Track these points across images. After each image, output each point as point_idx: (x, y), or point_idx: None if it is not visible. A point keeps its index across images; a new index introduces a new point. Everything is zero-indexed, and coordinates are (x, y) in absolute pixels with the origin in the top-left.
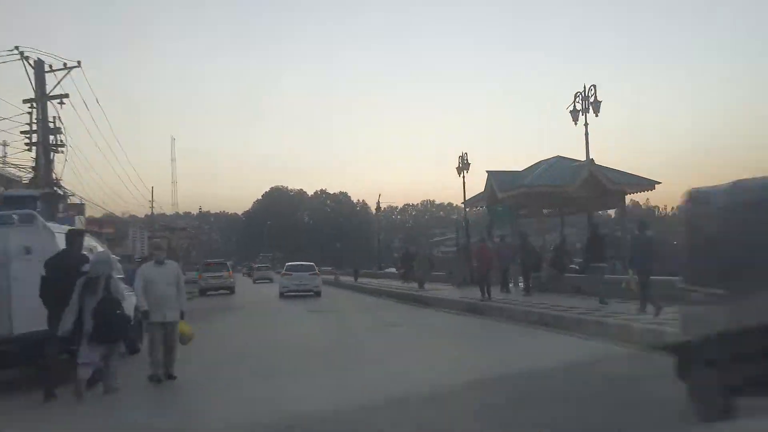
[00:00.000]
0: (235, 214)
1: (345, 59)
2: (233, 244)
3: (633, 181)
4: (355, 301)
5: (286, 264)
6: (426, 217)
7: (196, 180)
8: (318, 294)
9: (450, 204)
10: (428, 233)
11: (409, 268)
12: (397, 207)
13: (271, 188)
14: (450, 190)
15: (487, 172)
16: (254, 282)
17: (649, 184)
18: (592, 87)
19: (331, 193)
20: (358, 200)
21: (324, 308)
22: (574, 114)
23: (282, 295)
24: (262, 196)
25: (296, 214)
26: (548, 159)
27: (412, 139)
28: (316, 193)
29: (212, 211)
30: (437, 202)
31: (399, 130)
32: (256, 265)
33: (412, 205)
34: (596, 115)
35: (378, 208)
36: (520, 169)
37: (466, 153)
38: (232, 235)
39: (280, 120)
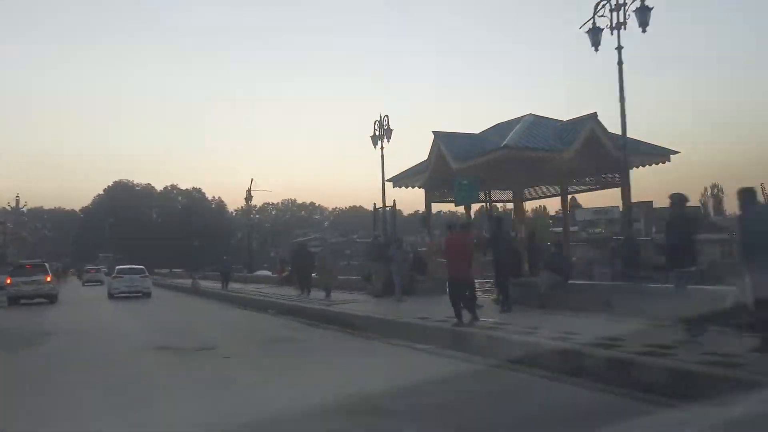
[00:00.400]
0: (73, 210)
1: (198, 47)
2: (70, 244)
3: (643, 150)
4: (235, 322)
5: (117, 267)
6: (287, 217)
7: (25, 173)
8: (148, 295)
9: (313, 203)
10: (290, 233)
11: (303, 272)
12: (255, 206)
13: (114, 182)
14: (312, 191)
15: (434, 133)
16: (83, 284)
17: (662, 155)
18: None
19: (183, 188)
20: (214, 197)
21: (184, 339)
22: (594, 35)
23: (112, 296)
24: (103, 190)
25: (143, 211)
26: (522, 117)
27: (270, 135)
28: (165, 188)
29: (46, 207)
30: (299, 201)
31: (258, 125)
32: (86, 267)
33: (272, 204)
34: (643, 31)
35: (249, 197)
36: (476, 132)
37: (386, 116)
38: (68, 234)
39: (127, 111)
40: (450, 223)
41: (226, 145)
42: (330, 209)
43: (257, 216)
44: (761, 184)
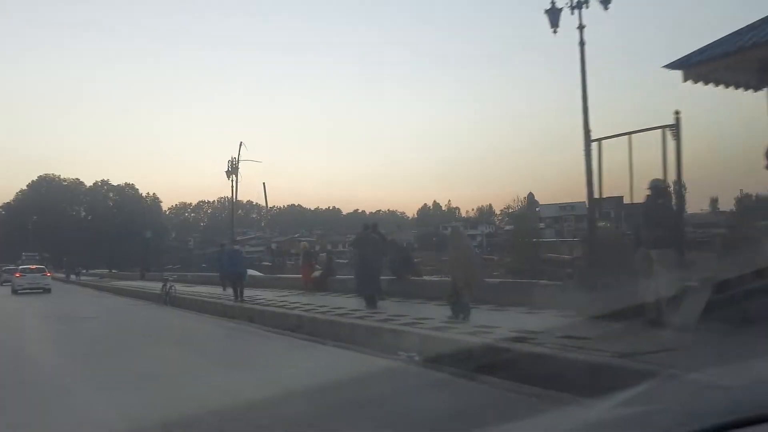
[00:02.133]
0: None
1: (133, 41)
2: None
3: None
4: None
5: (20, 267)
6: (224, 215)
7: None
8: (48, 291)
9: (250, 202)
10: (228, 233)
11: (371, 270)
12: (191, 204)
13: (39, 177)
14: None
15: None
16: (1, 284)
17: None
18: None
19: (115, 184)
20: (148, 193)
21: None
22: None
23: (16, 292)
24: (27, 186)
25: (72, 207)
26: None
27: (207, 128)
28: (95, 183)
29: None
30: (235, 199)
31: (192, 123)
32: (5, 267)
33: (208, 202)
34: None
35: (234, 168)
36: None
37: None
38: None
39: (54, 101)
40: None
41: (159, 140)
42: (268, 208)
43: (192, 215)
44: None
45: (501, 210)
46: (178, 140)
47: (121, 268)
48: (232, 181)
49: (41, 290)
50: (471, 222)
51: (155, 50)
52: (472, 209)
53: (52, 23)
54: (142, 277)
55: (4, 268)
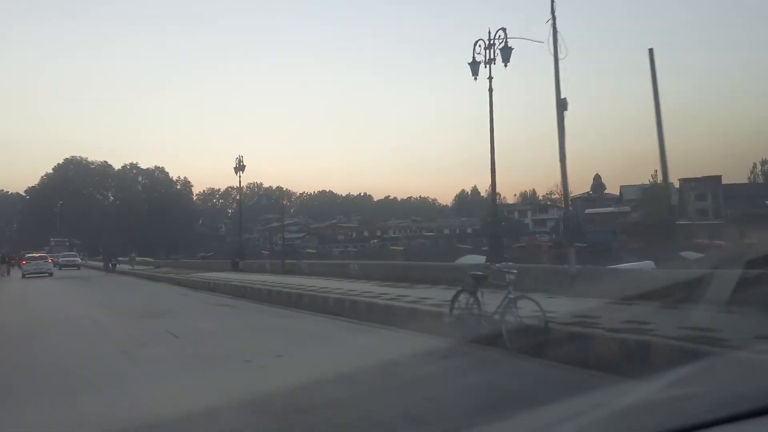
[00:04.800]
0: (18, 193)
1: (156, 24)
2: (16, 229)
3: None
4: None
5: (26, 255)
6: (253, 201)
7: None
8: (50, 275)
9: (280, 188)
10: (260, 219)
11: None
12: (219, 190)
13: (66, 160)
14: (280, 174)
15: None
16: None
17: None
18: None
19: (144, 168)
20: (179, 177)
21: None
22: None
23: (24, 276)
24: (53, 169)
25: (99, 191)
26: None
27: (239, 113)
28: (124, 166)
29: None
30: (266, 185)
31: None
32: (27, 254)
33: (236, 188)
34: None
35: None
36: None
37: None
38: (14, 218)
39: (80, 84)
40: None
41: (190, 124)
42: (298, 194)
43: (220, 201)
44: None
45: (543, 195)
46: (205, 125)
47: (154, 255)
48: (489, 74)
49: (46, 274)
50: (541, 206)
51: (184, 33)
52: (514, 195)
53: (79, 8)
54: (236, 267)
55: (27, 256)
